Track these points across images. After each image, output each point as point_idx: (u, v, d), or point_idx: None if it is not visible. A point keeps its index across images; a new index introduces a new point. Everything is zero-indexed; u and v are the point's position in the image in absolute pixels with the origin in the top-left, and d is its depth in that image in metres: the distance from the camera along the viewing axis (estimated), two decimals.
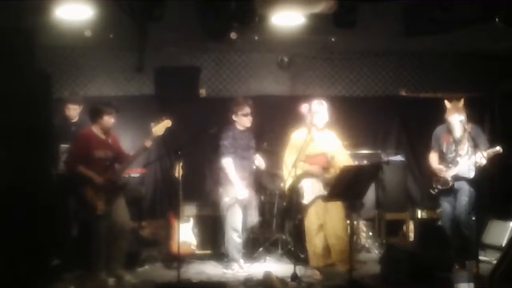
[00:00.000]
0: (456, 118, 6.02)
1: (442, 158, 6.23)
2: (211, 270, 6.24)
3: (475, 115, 7.17)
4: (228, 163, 6.09)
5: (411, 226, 7.40)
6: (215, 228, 6.62)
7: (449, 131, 6.15)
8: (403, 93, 8.38)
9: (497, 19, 5.65)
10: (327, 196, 5.40)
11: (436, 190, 6.21)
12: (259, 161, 6.25)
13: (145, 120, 6.13)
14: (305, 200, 5.76)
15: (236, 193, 6.07)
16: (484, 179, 6.29)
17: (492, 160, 5.92)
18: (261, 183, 7.11)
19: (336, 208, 5.73)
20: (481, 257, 6.07)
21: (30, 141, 5.12)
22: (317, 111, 5.76)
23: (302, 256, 5.99)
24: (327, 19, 5.84)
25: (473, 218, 6.25)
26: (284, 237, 6.77)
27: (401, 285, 5.51)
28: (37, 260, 5.15)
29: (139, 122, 7.02)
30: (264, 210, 6.79)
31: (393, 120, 8.32)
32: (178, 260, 5.47)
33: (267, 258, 6.64)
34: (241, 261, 6.18)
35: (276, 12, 5.77)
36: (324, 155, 5.78)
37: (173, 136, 6.65)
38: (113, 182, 5.54)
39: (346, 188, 5.13)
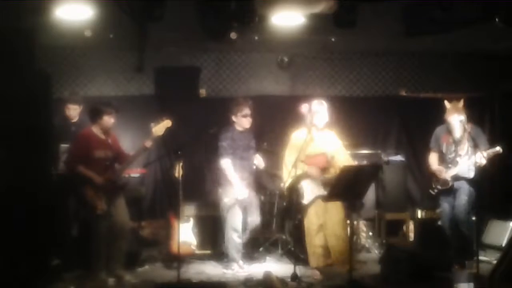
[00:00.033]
0: (456, 119, 6.02)
1: (442, 158, 6.24)
2: (211, 270, 6.24)
3: (475, 115, 7.19)
4: (226, 164, 6.09)
5: (411, 226, 7.40)
6: (215, 228, 6.62)
7: (449, 131, 6.15)
8: (403, 93, 8.38)
9: (497, 19, 5.65)
10: (327, 196, 5.40)
11: (435, 190, 6.22)
12: (258, 161, 6.24)
13: (145, 120, 6.13)
14: (305, 200, 5.77)
15: (236, 193, 6.07)
16: (484, 179, 6.30)
17: (492, 160, 5.92)
18: (261, 183, 7.11)
19: (336, 209, 5.73)
20: (481, 257, 6.06)
21: (30, 141, 5.12)
22: (317, 111, 5.76)
23: (302, 256, 5.99)
24: (327, 19, 5.84)
25: (473, 218, 6.26)
26: (284, 237, 6.77)
27: (401, 285, 5.50)
28: (37, 260, 5.15)
29: (139, 122, 7.01)
30: (264, 210, 6.78)
31: (393, 120, 8.32)
32: (178, 260, 5.47)
33: (267, 258, 6.64)
34: (241, 261, 6.17)
35: (276, 12, 5.77)
36: (324, 155, 5.78)
37: (173, 136, 6.66)
38: (113, 182, 5.54)
39: (346, 188, 5.13)
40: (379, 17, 6.09)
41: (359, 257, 6.63)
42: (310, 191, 5.75)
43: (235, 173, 6.08)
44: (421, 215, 7.20)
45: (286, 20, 5.96)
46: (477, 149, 5.81)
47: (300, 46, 7.68)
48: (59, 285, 5.46)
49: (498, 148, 5.89)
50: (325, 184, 5.66)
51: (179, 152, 5.71)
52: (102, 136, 5.61)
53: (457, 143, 6.11)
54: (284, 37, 6.65)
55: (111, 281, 5.53)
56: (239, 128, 6.19)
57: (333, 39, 7.28)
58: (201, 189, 7.51)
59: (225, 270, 6.13)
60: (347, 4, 5.60)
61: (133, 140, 6.99)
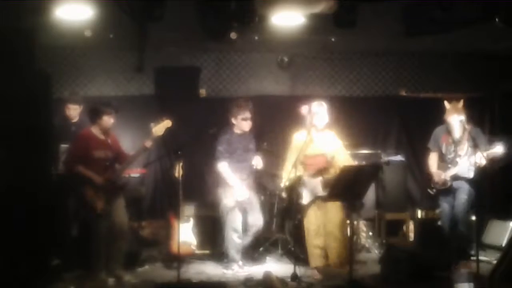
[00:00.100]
0: (456, 119, 6.02)
1: (442, 158, 6.24)
2: (211, 270, 6.23)
3: (475, 115, 7.21)
4: (223, 168, 6.09)
5: (411, 226, 7.40)
6: (215, 228, 6.62)
7: (449, 131, 6.16)
8: (403, 93, 8.39)
9: (497, 19, 5.65)
10: (327, 196, 5.40)
11: (434, 190, 6.22)
12: (257, 162, 6.18)
13: (145, 120, 6.13)
14: (304, 201, 5.77)
15: (236, 194, 6.07)
16: (484, 179, 6.30)
17: (492, 160, 5.91)
18: (261, 183, 7.11)
19: (336, 210, 5.73)
20: (481, 257, 6.06)
21: (30, 141, 5.12)
22: (317, 112, 5.76)
23: (302, 256, 5.98)
24: (327, 19, 5.84)
25: (473, 218, 6.26)
26: (284, 237, 6.77)
27: (401, 285, 5.50)
28: (37, 260, 5.15)
29: (139, 122, 7.01)
30: (264, 210, 6.78)
31: (393, 120, 8.33)
32: (178, 260, 5.47)
33: (267, 258, 6.64)
34: (241, 261, 6.17)
35: (276, 12, 5.77)
36: (323, 155, 5.77)
37: (173, 136, 6.67)
38: (112, 182, 5.54)
39: (346, 188, 5.13)
40: (379, 17, 6.09)
41: (359, 257, 6.63)
42: (309, 191, 5.75)
43: (234, 175, 6.08)
44: (421, 215, 7.19)
45: (286, 20, 5.96)
46: (477, 149, 5.80)
47: (300, 46, 7.68)
48: (59, 285, 5.46)
49: (498, 149, 5.89)
50: (325, 184, 5.66)
51: (179, 152, 5.71)
52: (102, 136, 5.61)
53: (456, 143, 6.11)
54: (284, 37, 6.65)
55: (111, 281, 5.53)
56: (237, 131, 6.18)
57: (333, 39, 7.28)
58: (201, 189, 7.50)
59: (225, 270, 6.13)
60: (347, 4, 5.60)
61: (133, 140, 6.99)
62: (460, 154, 6.07)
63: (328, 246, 5.71)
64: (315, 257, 5.76)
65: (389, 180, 7.46)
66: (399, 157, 7.59)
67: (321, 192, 5.66)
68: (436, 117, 6.40)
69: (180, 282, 5.33)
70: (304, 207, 5.79)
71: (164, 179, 7.68)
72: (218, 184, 6.23)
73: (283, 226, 6.89)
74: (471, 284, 4.99)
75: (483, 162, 5.82)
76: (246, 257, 6.32)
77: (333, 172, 5.68)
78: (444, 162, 6.18)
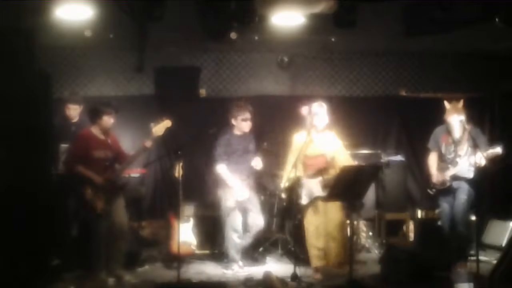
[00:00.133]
0: (456, 119, 6.02)
1: (441, 158, 6.23)
2: (211, 270, 6.23)
3: (475, 115, 7.21)
4: (221, 169, 6.10)
5: (411, 226, 7.41)
6: (215, 228, 6.62)
7: (448, 132, 6.15)
8: (403, 93, 8.38)
9: (497, 19, 5.65)
10: (327, 196, 5.40)
11: (433, 190, 6.22)
12: (256, 162, 6.16)
13: (145, 120, 6.12)
14: (303, 201, 5.77)
15: (236, 194, 6.07)
16: (484, 179, 6.30)
17: (492, 160, 5.91)
18: (261, 183, 7.11)
19: (335, 210, 5.72)
20: (481, 257, 6.07)
21: (30, 141, 5.12)
22: (317, 113, 5.77)
23: (302, 256, 5.99)
24: (327, 19, 5.84)
25: (473, 218, 6.26)
26: (284, 237, 6.77)
27: (401, 285, 5.50)
28: (37, 260, 5.15)
29: (139, 122, 7.01)
30: (264, 210, 6.78)
31: (393, 120, 8.33)
32: (178, 260, 5.47)
33: (267, 258, 6.64)
34: (241, 261, 6.17)
35: (276, 12, 5.76)
36: (323, 156, 5.77)
37: (173, 136, 6.67)
38: (112, 182, 5.54)
39: (346, 188, 5.13)
40: (379, 17, 6.08)
41: (359, 257, 6.63)
42: (308, 191, 5.75)
43: (233, 176, 6.08)
44: (421, 215, 7.20)
45: (286, 20, 5.96)
46: (477, 149, 5.80)
47: (300, 46, 7.68)
48: (59, 285, 5.46)
49: (497, 149, 5.89)
50: (324, 185, 5.66)
51: (179, 152, 5.71)
52: (102, 136, 5.61)
53: (456, 143, 6.10)
54: (284, 37, 6.64)
55: (111, 281, 5.53)
56: (237, 132, 6.18)
57: (333, 39, 7.27)
58: (201, 189, 7.50)
59: (225, 270, 6.13)
60: (347, 4, 5.60)
61: (133, 140, 6.99)
62: (460, 154, 6.06)
63: (328, 246, 5.71)
64: (315, 257, 5.75)
65: (389, 180, 7.46)
66: (399, 157, 7.59)
67: (320, 192, 5.66)
68: (436, 117, 6.40)
69: (180, 282, 5.33)
70: (304, 207, 5.79)
71: (164, 179, 7.68)
72: (218, 185, 6.22)
73: (283, 226, 6.89)
74: (471, 284, 4.99)
75: (483, 162, 5.81)
76: (246, 257, 6.33)
77: (333, 173, 5.68)
78: (444, 162, 6.18)
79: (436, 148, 6.29)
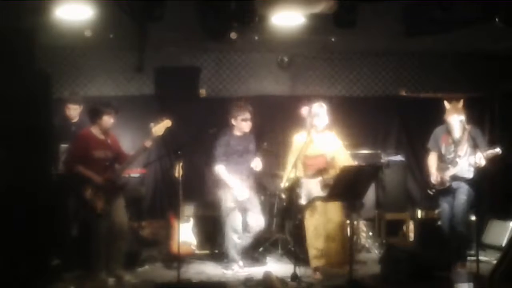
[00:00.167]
0: (456, 119, 6.01)
1: (441, 159, 6.23)
2: (211, 270, 6.24)
3: (475, 115, 7.20)
4: (220, 170, 6.10)
5: (411, 226, 7.41)
6: (215, 228, 6.62)
7: (448, 132, 6.15)
8: (403, 93, 8.38)
9: (497, 19, 5.65)
10: (327, 196, 5.40)
11: (433, 190, 6.21)
12: (256, 163, 6.16)
13: (145, 120, 6.12)
14: (303, 201, 5.77)
15: (235, 194, 6.07)
16: (484, 179, 6.29)
17: (492, 160, 5.91)
18: (261, 184, 7.11)
19: (335, 209, 5.73)
20: (481, 257, 6.07)
21: (30, 141, 5.12)
22: (317, 114, 5.77)
23: (302, 256, 5.98)
24: (327, 19, 5.84)
25: (473, 218, 6.25)
26: (284, 237, 6.77)
27: (401, 285, 5.51)
28: (37, 260, 5.15)
29: (139, 122, 7.01)
30: (264, 210, 6.78)
31: (393, 120, 8.32)
32: (178, 260, 5.47)
33: (267, 258, 6.64)
34: (241, 261, 6.17)
35: (276, 12, 5.76)
36: (323, 156, 5.78)
37: (173, 136, 6.67)
38: (112, 182, 5.54)
39: (346, 188, 5.13)
40: (379, 17, 6.08)
41: (359, 257, 6.63)
42: (308, 191, 5.75)
43: (233, 176, 6.08)
44: (421, 215, 7.20)
45: (286, 20, 5.96)
46: (477, 149, 5.80)
47: (300, 46, 7.68)
48: (59, 285, 5.46)
49: (497, 149, 5.88)
50: (324, 185, 5.66)
51: (179, 152, 5.71)
52: (102, 136, 5.61)
53: (456, 143, 6.10)
54: (284, 37, 6.64)
55: (111, 281, 5.53)
56: (237, 132, 6.18)
57: (333, 39, 7.27)
58: (201, 189, 7.50)
59: (225, 270, 6.13)
60: (347, 4, 5.60)
61: (133, 140, 6.99)
62: (460, 155, 6.06)
63: (328, 246, 5.71)
64: (315, 257, 5.75)
65: (389, 180, 7.46)
66: (399, 157, 7.59)
67: (320, 192, 5.66)
68: (436, 117, 6.39)
69: (180, 282, 5.33)
70: (304, 207, 5.79)
71: (164, 179, 7.67)
72: (218, 186, 6.22)
73: (283, 226, 6.89)
74: (471, 284, 4.99)
75: (482, 162, 5.81)
76: (246, 257, 6.32)
77: (333, 173, 5.68)
78: (443, 162, 6.18)
79: (436, 148, 6.29)
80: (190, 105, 7.77)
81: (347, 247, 5.54)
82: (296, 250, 6.06)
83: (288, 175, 5.74)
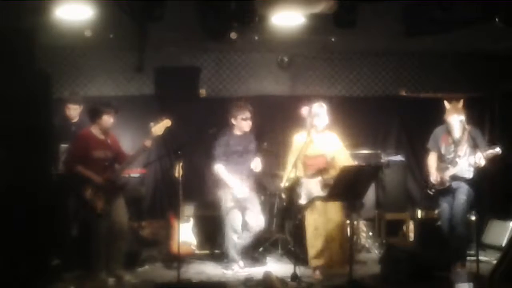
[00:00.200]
0: (456, 119, 6.01)
1: (441, 159, 6.23)
2: (211, 270, 6.24)
3: (475, 115, 7.20)
4: (219, 169, 6.11)
5: (411, 226, 7.40)
6: (215, 228, 6.62)
7: (448, 132, 6.15)
8: (403, 93, 8.38)
9: (497, 19, 5.65)
10: (327, 196, 5.40)
11: (433, 190, 6.21)
12: (256, 164, 6.16)
13: (145, 120, 6.12)
14: (303, 200, 5.77)
15: (235, 193, 6.07)
16: (484, 179, 6.30)
17: (492, 160, 5.91)
18: (261, 183, 7.11)
19: (335, 209, 5.73)
20: (481, 257, 6.07)
21: (30, 141, 5.12)
22: (317, 114, 5.78)
23: (302, 256, 5.98)
24: (327, 19, 5.84)
25: (473, 218, 6.25)
26: (284, 237, 6.77)
27: (401, 285, 5.50)
28: (37, 260, 5.15)
29: (139, 122, 7.00)
30: (264, 210, 6.78)
31: (393, 120, 8.32)
32: (178, 260, 5.47)
33: (267, 258, 6.64)
34: (241, 261, 6.17)
35: (276, 12, 5.77)
36: (323, 156, 5.78)
37: (173, 136, 6.68)
38: (112, 182, 5.54)
39: (346, 188, 5.13)
40: (379, 17, 6.08)
41: (359, 257, 6.63)
42: (308, 191, 5.75)
43: (233, 175, 6.08)
44: (421, 215, 7.20)
45: (286, 20, 5.96)
46: (477, 149, 5.79)
47: (300, 46, 7.68)
48: (59, 285, 5.46)
49: (497, 149, 5.88)
50: (324, 185, 5.67)
51: (179, 152, 5.70)
52: (101, 136, 5.61)
53: (456, 143, 6.10)
54: (284, 37, 6.64)
55: (111, 281, 5.53)
56: (237, 132, 6.18)
57: (333, 39, 7.27)
58: (201, 189, 7.51)
59: (225, 270, 6.13)
60: (347, 4, 5.60)
61: (133, 140, 6.99)
62: (460, 155, 6.06)
63: (328, 246, 5.71)
64: (315, 257, 5.75)
65: (389, 180, 7.46)
66: (399, 157, 7.59)
67: (320, 192, 5.66)
68: (436, 117, 6.39)
69: (180, 282, 5.33)
70: (304, 207, 5.80)
71: (164, 179, 7.67)
72: (218, 185, 6.23)
73: (283, 226, 6.89)
74: (471, 284, 4.99)
75: (482, 162, 5.81)
76: (246, 257, 6.32)
77: (333, 173, 5.69)
78: (443, 162, 6.18)
79: (435, 148, 6.28)
80: (190, 105, 7.77)
81: (347, 247, 5.54)
82: (296, 250, 6.07)
83: (288, 175, 5.75)
